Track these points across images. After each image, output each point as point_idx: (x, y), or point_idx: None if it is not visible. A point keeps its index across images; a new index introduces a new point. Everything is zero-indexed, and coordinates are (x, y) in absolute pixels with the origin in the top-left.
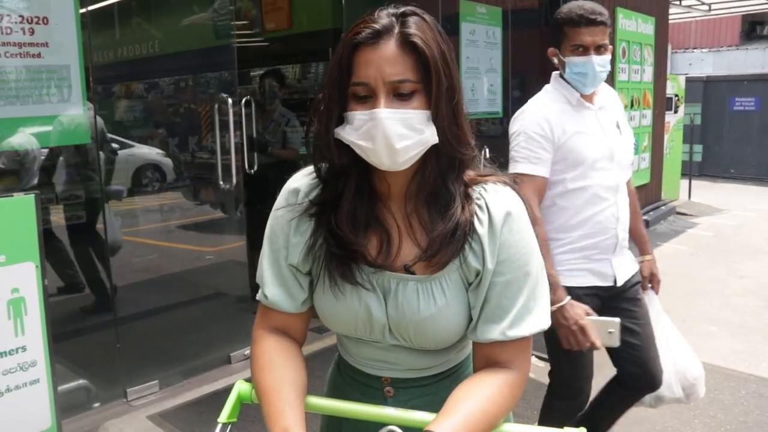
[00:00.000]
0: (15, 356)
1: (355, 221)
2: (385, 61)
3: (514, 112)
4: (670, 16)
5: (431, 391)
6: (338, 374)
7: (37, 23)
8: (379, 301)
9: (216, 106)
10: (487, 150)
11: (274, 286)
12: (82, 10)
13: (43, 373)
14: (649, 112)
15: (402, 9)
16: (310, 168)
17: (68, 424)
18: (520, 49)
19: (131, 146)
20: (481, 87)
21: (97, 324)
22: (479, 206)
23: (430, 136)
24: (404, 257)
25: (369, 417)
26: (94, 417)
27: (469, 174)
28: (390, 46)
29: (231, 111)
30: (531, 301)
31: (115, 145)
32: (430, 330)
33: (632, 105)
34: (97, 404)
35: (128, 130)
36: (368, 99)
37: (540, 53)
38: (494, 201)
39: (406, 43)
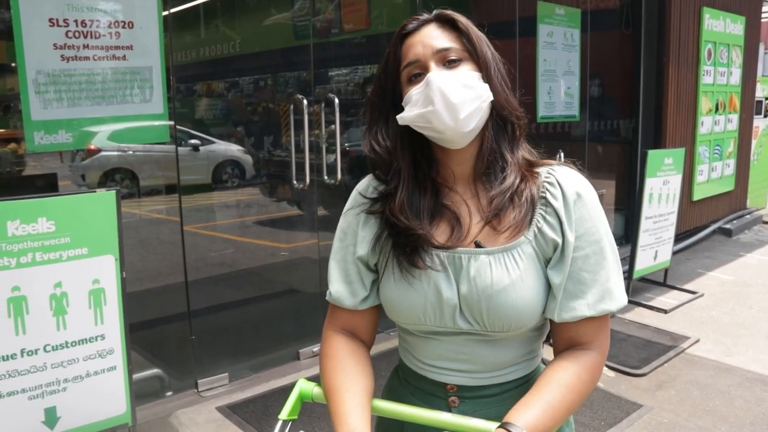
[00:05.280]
0: (94, 344)
1: (414, 208)
2: (429, 37)
3: (591, 116)
4: (764, 15)
5: (497, 402)
6: (398, 383)
7: (123, 27)
8: (449, 281)
9: (292, 105)
10: (562, 154)
11: (339, 282)
12: (165, 13)
13: (120, 360)
14: (735, 117)
15: (441, 9)
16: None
17: (141, 411)
18: (599, 51)
19: (212, 143)
20: (558, 90)
21: (172, 316)
22: (550, 183)
23: (484, 92)
24: (474, 236)
25: (429, 422)
26: (166, 405)
27: (530, 158)
28: (431, 26)
29: (306, 111)
30: (614, 274)
31: (195, 141)
32: (503, 305)
33: (717, 109)
34: (169, 393)
35: (208, 128)
36: (421, 75)
37: (620, 55)
38: (565, 177)
39: (446, 21)
